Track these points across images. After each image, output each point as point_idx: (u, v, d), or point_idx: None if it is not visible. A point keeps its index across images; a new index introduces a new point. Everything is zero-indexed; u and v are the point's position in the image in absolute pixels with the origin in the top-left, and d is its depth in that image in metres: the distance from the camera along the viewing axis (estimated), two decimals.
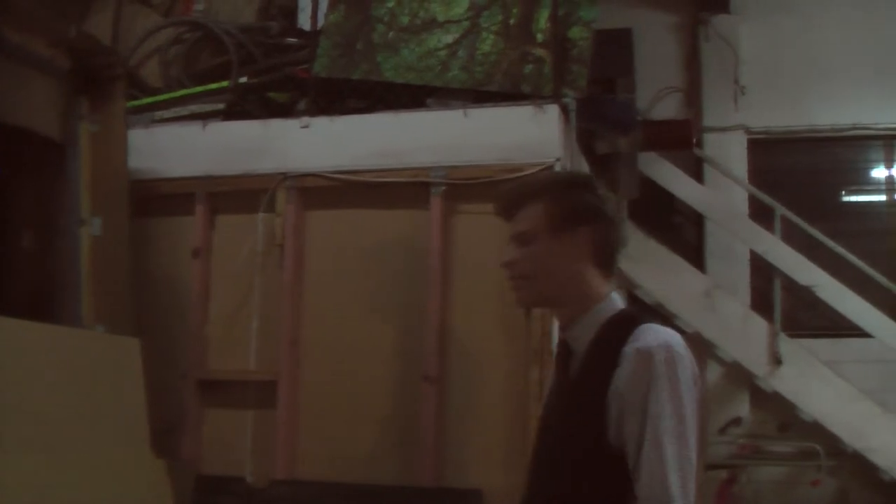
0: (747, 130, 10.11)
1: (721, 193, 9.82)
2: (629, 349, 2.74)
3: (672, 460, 2.61)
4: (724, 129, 10.06)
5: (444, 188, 5.61)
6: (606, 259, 2.99)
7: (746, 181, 9.94)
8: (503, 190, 3.17)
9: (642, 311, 3.06)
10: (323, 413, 5.73)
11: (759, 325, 9.27)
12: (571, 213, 2.94)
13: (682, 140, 9.04)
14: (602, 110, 6.71)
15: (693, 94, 10.24)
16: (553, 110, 5.62)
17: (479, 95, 5.87)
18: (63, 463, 4.55)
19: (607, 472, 2.70)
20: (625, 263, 9.07)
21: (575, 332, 2.94)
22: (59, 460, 4.54)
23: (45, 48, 5.32)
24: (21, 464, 4.28)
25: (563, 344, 3.01)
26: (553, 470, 2.90)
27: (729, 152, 10.05)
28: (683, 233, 10.09)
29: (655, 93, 9.91)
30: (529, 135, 5.56)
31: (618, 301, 2.96)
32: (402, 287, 5.73)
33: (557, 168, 5.46)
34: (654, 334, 2.77)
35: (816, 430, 8.97)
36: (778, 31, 10.11)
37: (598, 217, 2.96)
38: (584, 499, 2.76)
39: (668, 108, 10.07)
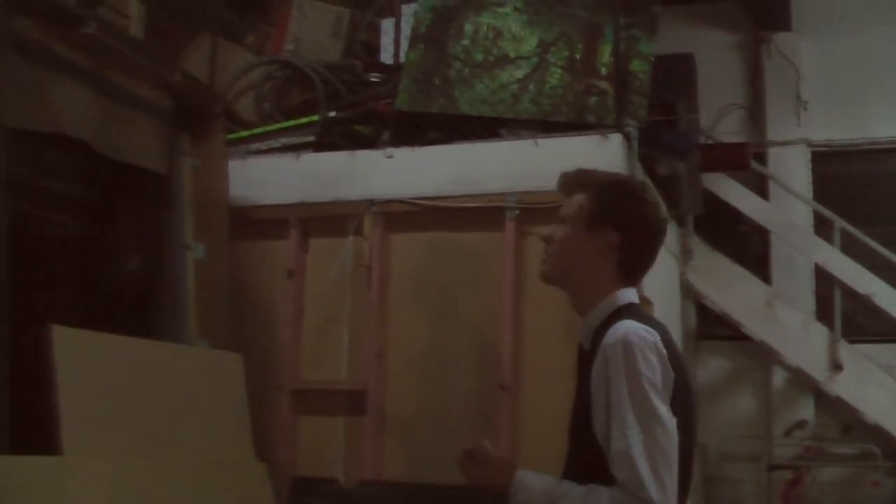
0: (810, 144, 10.22)
1: (784, 206, 9.96)
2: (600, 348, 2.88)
3: (639, 450, 2.70)
4: (787, 143, 10.20)
5: (517, 212, 5.87)
6: (632, 267, 3.11)
7: (811, 192, 10.10)
8: (569, 171, 3.28)
9: (632, 306, 3.06)
10: (407, 419, 6.02)
11: (820, 332, 9.45)
12: (605, 214, 3.07)
13: (739, 162, 9.37)
14: (661, 138, 6.92)
15: (756, 110, 10.37)
16: (617, 139, 5.91)
17: (547, 126, 6.15)
18: (177, 466, 4.94)
19: (599, 462, 2.82)
20: (691, 275, 9.42)
21: (583, 329, 3.09)
22: (173, 464, 4.92)
23: (149, 90, 5.62)
24: (138, 466, 4.68)
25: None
26: (567, 461, 3.13)
27: (793, 165, 10.18)
28: (750, 244, 10.21)
29: (719, 110, 10.15)
30: (595, 162, 5.49)
31: (620, 298, 3.05)
32: (478, 303, 6.01)
33: None
34: (615, 332, 2.86)
35: (878, 433, 9.12)
36: (838, 48, 10.20)
37: (631, 224, 3.06)
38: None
39: (732, 125, 10.29)
